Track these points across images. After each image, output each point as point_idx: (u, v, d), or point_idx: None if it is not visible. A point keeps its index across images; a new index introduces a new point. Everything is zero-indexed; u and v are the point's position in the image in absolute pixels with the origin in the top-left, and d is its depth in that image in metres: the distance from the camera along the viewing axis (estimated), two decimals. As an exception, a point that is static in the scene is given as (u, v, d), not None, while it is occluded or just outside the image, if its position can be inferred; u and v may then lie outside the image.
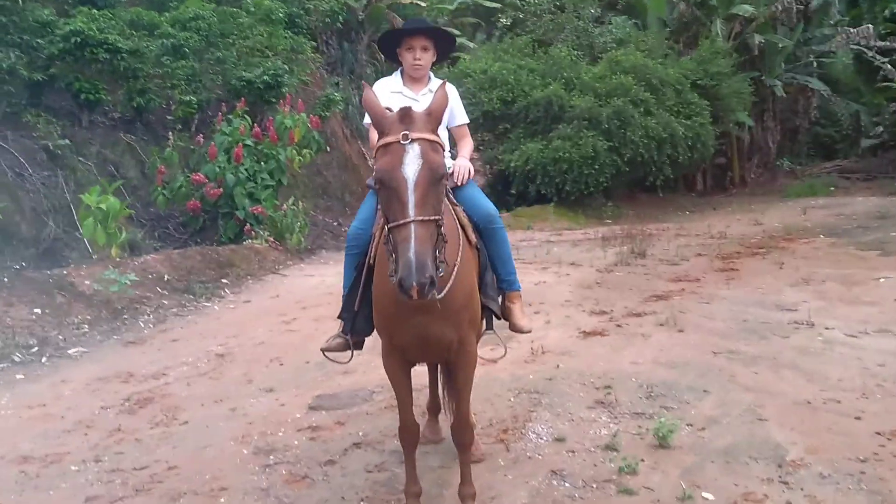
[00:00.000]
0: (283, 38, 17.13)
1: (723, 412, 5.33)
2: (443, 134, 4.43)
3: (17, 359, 7.10)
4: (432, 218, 3.01)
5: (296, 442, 5.00)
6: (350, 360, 4.18)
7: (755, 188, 23.07)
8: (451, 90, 4.48)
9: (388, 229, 3.06)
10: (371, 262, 3.85)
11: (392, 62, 4.54)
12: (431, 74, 4.43)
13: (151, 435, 5.22)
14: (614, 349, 7.00)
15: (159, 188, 13.12)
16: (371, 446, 4.89)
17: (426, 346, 3.67)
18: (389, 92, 4.28)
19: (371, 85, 3.72)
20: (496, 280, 4.25)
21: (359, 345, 4.21)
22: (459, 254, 3.58)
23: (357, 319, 4.01)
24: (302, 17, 20.11)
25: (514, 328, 4.40)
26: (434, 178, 3.06)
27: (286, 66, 15.98)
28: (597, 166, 17.75)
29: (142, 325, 8.59)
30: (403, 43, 4.30)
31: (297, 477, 4.48)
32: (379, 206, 3.32)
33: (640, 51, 20.09)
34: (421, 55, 4.27)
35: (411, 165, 3.02)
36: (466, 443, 4.07)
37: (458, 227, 3.77)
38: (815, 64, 23.93)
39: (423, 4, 25.12)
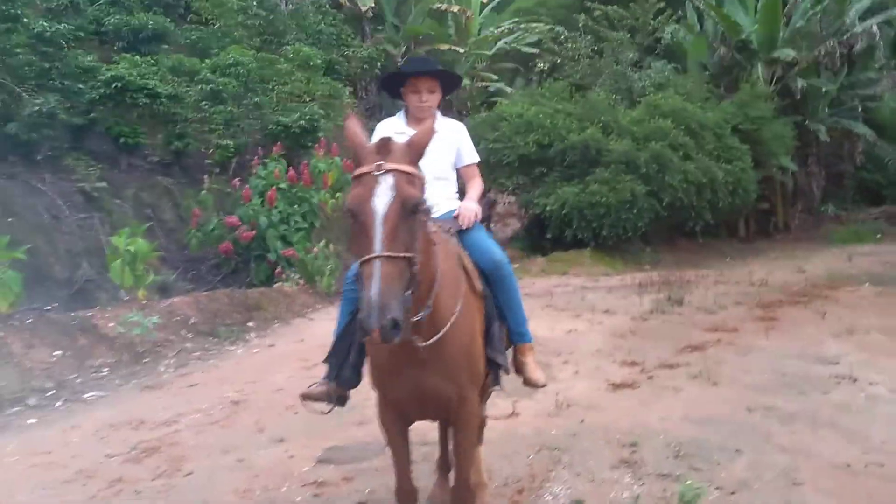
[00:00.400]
0: (320, 84, 17.31)
1: (755, 475, 5.00)
2: (450, 173, 4.27)
3: (31, 402, 7.02)
4: (402, 255, 2.79)
5: (298, 498, 4.79)
6: (329, 412, 3.91)
7: (799, 234, 22.49)
8: (460, 128, 4.36)
9: (359, 265, 2.84)
10: None
11: (396, 99, 4.39)
12: (438, 113, 4.20)
13: (152, 487, 5.05)
14: (643, 403, 6.70)
15: (193, 230, 13.17)
16: (378, 505, 4.65)
17: (421, 401, 3.47)
18: (393, 132, 4.02)
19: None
20: (507, 332, 4.02)
21: (342, 400, 3.95)
22: (459, 302, 3.37)
23: (344, 368, 3.78)
24: (341, 64, 20.37)
25: (528, 383, 4.14)
26: (405, 211, 2.85)
27: (322, 111, 16.07)
28: (635, 211, 17.45)
29: (162, 369, 8.49)
30: (408, 84, 4.14)
31: (296, 537, 4.26)
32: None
33: (679, 94, 19.85)
34: (427, 97, 4.12)
35: (381, 197, 2.83)
36: None
37: (462, 272, 3.57)
38: (860, 108, 23.38)
39: (460, 51, 25.30)
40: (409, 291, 2.82)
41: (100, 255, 11.71)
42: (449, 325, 3.26)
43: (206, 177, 14.06)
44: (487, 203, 18.67)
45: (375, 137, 3.89)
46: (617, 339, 9.35)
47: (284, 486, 4.99)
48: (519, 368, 4.12)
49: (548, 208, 18.07)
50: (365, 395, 5.54)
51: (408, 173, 2.94)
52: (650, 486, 4.83)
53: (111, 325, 8.81)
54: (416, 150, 3.05)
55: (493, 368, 3.80)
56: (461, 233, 3.96)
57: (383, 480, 5.00)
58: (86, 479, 5.24)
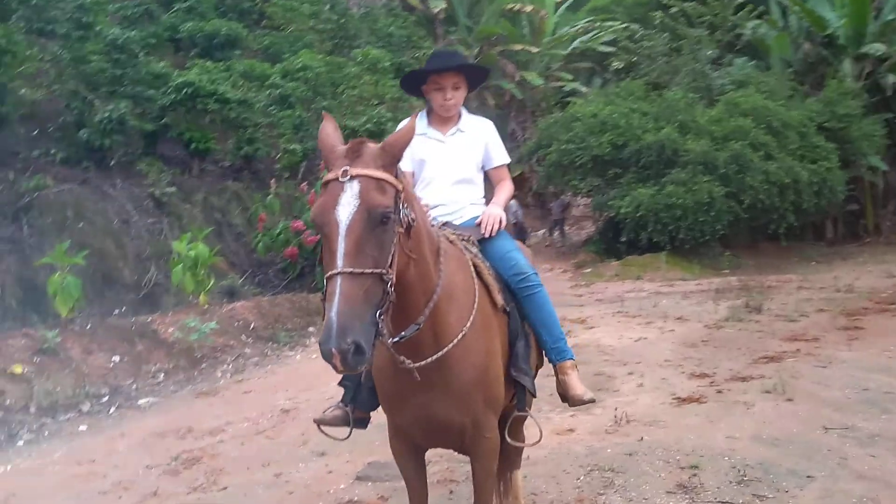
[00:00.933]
0: (389, 87, 17.21)
1: (828, 505, 4.53)
2: (475, 176, 3.91)
3: (84, 409, 7.05)
4: (368, 271, 2.46)
5: (330, 519, 4.58)
6: (348, 437, 3.52)
7: (890, 237, 21.34)
8: (488, 125, 3.98)
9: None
10: None
11: (417, 97, 3.98)
12: (464, 110, 3.86)
13: (184, 502, 4.93)
14: (710, 420, 6.23)
15: (259, 235, 13.22)
16: (410, 529, 4.39)
17: (431, 429, 3.15)
18: (417, 134, 3.74)
19: None
20: (545, 351, 3.67)
21: (362, 422, 3.58)
22: (470, 318, 3.04)
23: (360, 390, 3.44)
24: (412, 67, 20.24)
25: (573, 402, 3.67)
26: (371, 222, 2.51)
27: (390, 114, 15.97)
28: (713, 213, 16.86)
29: (219, 374, 8.46)
30: (431, 81, 3.73)
31: (318, 564, 4.04)
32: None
33: (761, 92, 19.11)
34: (452, 94, 3.71)
35: (345, 207, 2.51)
36: None
37: (476, 285, 3.19)
38: (957, 104, 22.10)
39: (534, 51, 24.99)
40: (379, 311, 2.48)
41: (167, 260, 11.84)
42: (453, 343, 2.94)
43: (273, 181, 14.11)
44: (561, 205, 18.47)
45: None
46: (687, 348, 8.88)
47: (318, 504, 4.81)
48: (562, 389, 3.70)
49: (622, 210, 17.62)
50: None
51: (377, 179, 2.59)
52: (709, 515, 4.45)
53: (170, 330, 8.84)
54: (390, 154, 2.68)
55: (519, 391, 3.43)
56: (484, 241, 3.60)
57: (420, 502, 4.76)
58: (122, 490, 5.16)
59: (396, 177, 2.67)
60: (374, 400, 3.39)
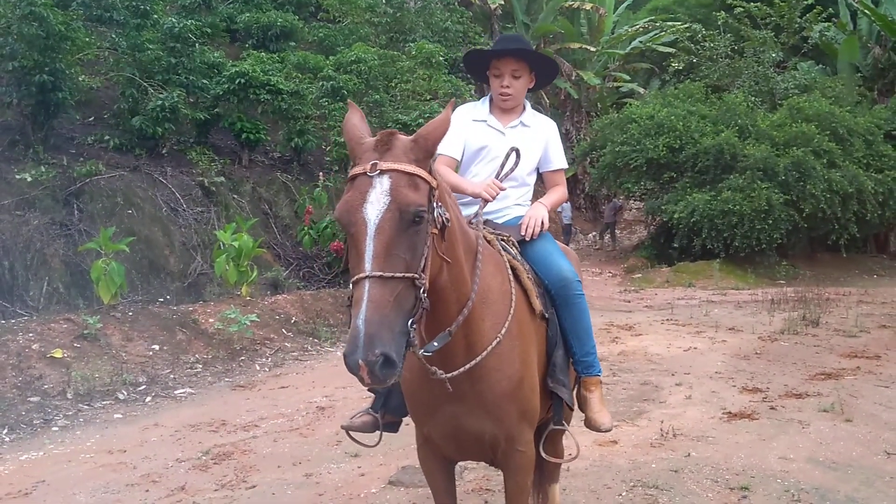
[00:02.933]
0: (443, 82, 17.01)
1: (888, 538, 4.22)
2: (528, 177, 3.68)
3: (121, 396, 6.99)
4: (399, 275, 2.25)
5: (358, 525, 4.41)
6: (378, 443, 3.33)
7: (958, 251, 20.54)
8: (550, 126, 3.75)
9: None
10: None
11: (483, 83, 3.78)
12: (527, 103, 3.66)
13: (211, 499, 4.79)
14: (762, 438, 5.92)
15: (306, 228, 13.15)
16: (440, 540, 4.19)
17: (461, 441, 2.94)
18: (471, 120, 3.57)
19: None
20: (573, 362, 3.40)
21: (394, 426, 3.41)
22: (506, 325, 2.82)
23: (392, 395, 3.24)
24: (467, 63, 20.04)
25: (590, 424, 3.43)
26: (403, 221, 2.29)
27: (442, 110, 15.77)
28: (771, 221, 16.34)
29: (257, 367, 8.36)
30: (492, 67, 3.53)
31: (342, 573, 3.87)
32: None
33: (827, 98, 18.51)
34: (510, 82, 3.49)
35: (374, 204, 2.29)
36: None
37: (513, 289, 2.96)
38: None
39: (592, 49, 24.59)
40: (411, 320, 2.27)
41: (213, 250, 11.85)
42: (486, 352, 2.74)
43: (322, 174, 14.03)
44: (614, 208, 18.13)
45: (453, 125, 3.14)
46: (740, 360, 8.56)
47: (347, 508, 4.64)
48: (581, 405, 3.46)
49: (676, 216, 17.19)
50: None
51: (409, 174, 2.36)
52: (758, 543, 4.17)
53: (211, 320, 8.78)
54: (423, 147, 2.43)
55: (556, 403, 3.21)
56: (525, 243, 3.37)
57: (453, 511, 4.56)
58: (150, 483, 5.05)
59: (430, 172, 2.44)
60: (405, 405, 3.15)
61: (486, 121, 3.56)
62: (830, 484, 4.95)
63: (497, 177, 3.32)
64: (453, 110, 3.06)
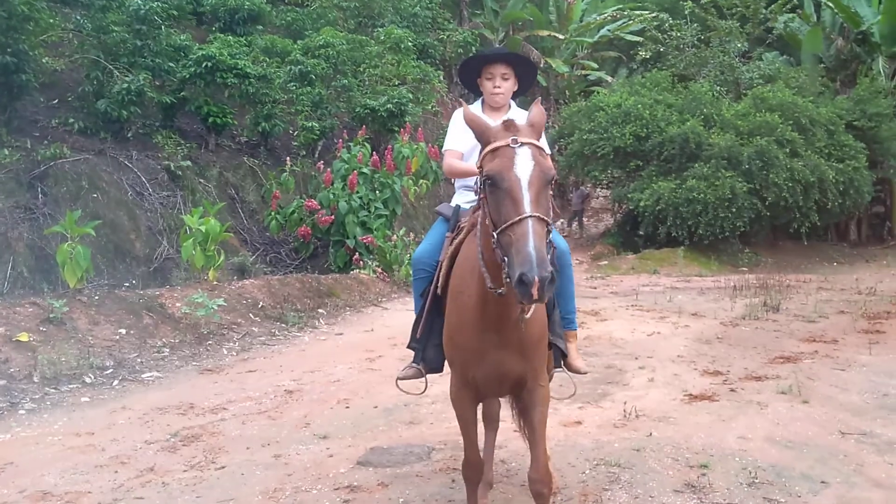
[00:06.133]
0: (411, 67, 17.02)
1: (841, 513, 4.38)
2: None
3: (88, 380, 6.97)
4: (546, 218, 2.91)
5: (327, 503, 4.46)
6: (425, 390, 4.17)
7: (917, 241, 20.98)
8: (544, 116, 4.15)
9: (499, 233, 2.91)
10: (438, 290, 3.77)
11: (472, 92, 4.47)
12: (513, 103, 4.28)
13: (181, 479, 4.82)
14: (721, 419, 6.07)
15: (273, 213, 13.12)
16: (407, 518, 4.28)
17: (502, 381, 3.58)
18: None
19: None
20: (559, 318, 4.07)
21: (434, 371, 4.07)
22: None
23: (427, 349, 3.93)
24: (435, 48, 20.05)
25: (570, 368, 4.14)
26: (545, 180, 3.00)
27: (411, 95, 15.78)
28: (734, 209, 16.59)
29: (225, 352, 8.36)
30: (483, 71, 4.20)
31: (312, 549, 3.93)
32: (486, 213, 3.09)
33: (790, 88, 18.77)
34: (501, 83, 4.16)
35: (524, 166, 2.98)
36: (546, 493, 3.68)
37: None
38: None
39: (560, 37, 24.69)
40: (550, 256, 2.85)
41: (179, 234, 11.78)
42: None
43: (289, 159, 13.99)
44: (581, 196, 18.37)
45: (453, 125, 4.28)
46: (702, 345, 8.71)
47: (316, 488, 4.67)
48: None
49: (642, 203, 17.38)
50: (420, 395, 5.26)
51: (539, 147, 3.08)
52: (716, 518, 4.30)
53: (178, 304, 8.75)
54: (537, 130, 3.19)
55: (555, 352, 3.93)
56: None
57: (420, 490, 4.64)
58: (119, 465, 5.06)
59: None
60: (439, 358, 3.90)
61: None
62: (786, 462, 5.11)
63: None
64: (473, 107, 4.19)
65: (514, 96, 4.32)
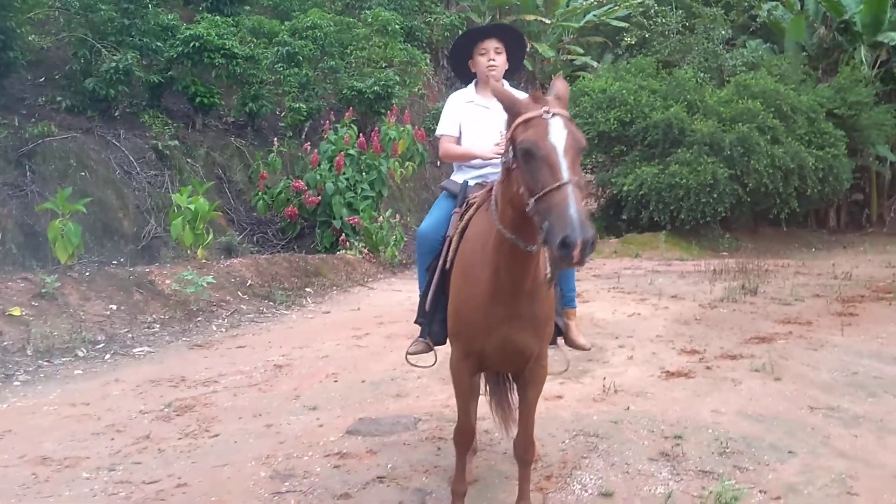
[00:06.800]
0: (398, 50, 17.10)
1: (806, 480, 4.60)
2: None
3: (80, 354, 7.11)
4: (582, 185, 2.97)
5: (318, 469, 4.64)
6: (435, 363, 4.25)
7: (893, 228, 21.25)
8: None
9: (536, 200, 2.94)
10: (446, 266, 3.83)
11: (461, 79, 4.58)
12: (506, 82, 4.23)
13: (176, 446, 5.00)
14: (696, 394, 6.30)
15: (260, 193, 13.22)
16: (395, 482, 4.47)
17: (508, 355, 3.63)
18: (464, 102, 4.41)
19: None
20: (561, 296, 4.22)
21: (439, 343, 4.17)
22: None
23: (433, 324, 4.03)
24: (422, 31, 20.10)
25: (573, 345, 4.30)
26: (578, 148, 3.06)
27: (398, 77, 15.87)
28: (716, 195, 16.75)
29: (214, 328, 8.52)
30: (476, 49, 4.31)
31: (304, 509, 4.12)
32: (521, 182, 3.09)
33: (773, 75, 18.93)
34: (495, 57, 4.28)
35: (558, 134, 3.02)
36: (528, 458, 3.96)
37: None
38: (970, 97, 21.92)
39: (547, 21, 24.76)
40: None
41: (168, 213, 11.85)
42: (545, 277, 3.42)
43: (276, 139, 14.07)
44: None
45: (447, 109, 4.45)
46: (680, 325, 8.93)
47: (307, 454, 4.86)
48: (564, 331, 4.25)
49: (625, 188, 17.53)
50: (407, 367, 5.45)
51: (569, 118, 3.13)
52: (687, 484, 4.50)
53: (168, 282, 8.88)
54: (563, 102, 3.24)
55: (554, 329, 4.00)
56: None
57: (407, 457, 4.84)
58: (115, 433, 5.23)
59: None
60: (443, 332, 3.97)
61: (473, 101, 4.39)
62: (757, 434, 5.34)
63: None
64: (468, 88, 4.47)
65: (505, 76, 4.36)
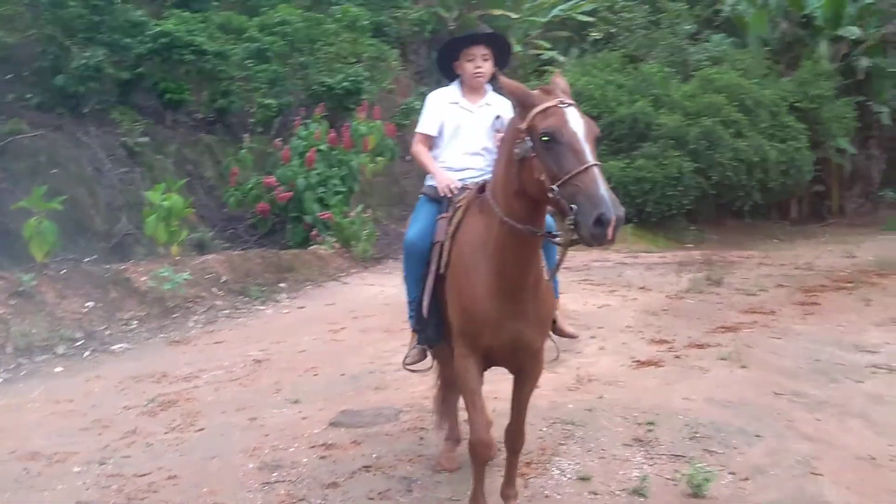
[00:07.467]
0: (367, 46, 17.15)
1: (772, 461, 4.84)
2: (492, 148, 4.38)
3: (60, 351, 7.16)
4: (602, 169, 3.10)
5: (305, 460, 4.78)
6: (432, 367, 4.44)
7: (854, 219, 21.75)
8: (508, 105, 4.32)
9: (562, 184, 3.06)
10: (441, 270, 3.87)
11: (446, 78, 4.55)
12: (489, 87, 4.41)
13: (163, 440, 5.10)
14: (667, 382, 6.53)
15: (231, 189, 13.25)
16: (381, 471, 4.62)
17: (515, 351, 3.72)
18: (448, 102, 4.40)
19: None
20: None
21: (433, 347, 4.31)
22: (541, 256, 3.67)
23: (427, 329, 4.08)
24: (390, 26, 20.15)
25: (563, 333, 4.40)
26: (594, 135, 3.21)
27: (367, 73, 15.95)
28: (681, 188, 17.02)
29: (191, 324, 8.58)
30: (463, 54, 4.32)
31: (294, 498, 4.25)
32: (543, 169, 3.19)
33: (736, 70, 19.26)
34: (482, 64, 4.31)
35: (577, 121, 3.18)
36: (518, 447, 4.12)
37: None
38: (928, 91, 22.44)
39: (514, 16, 24.88)
40: None
41: (139, 210, 11.79)
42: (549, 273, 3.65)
43: (246, 135, 14.09)
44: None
45: (429, 107, 4.43)
46: (649, 316, 9.16)
47: (292, 446, 4.99)
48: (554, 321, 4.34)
49: (592, 182, 17.70)
50: (385, 361, 5.58)
51: (579, 108, 3.31)
52: (661, 467, 4.71)
53: (143, 279, 8.92)
54: (568, 95, 3.39)
55: None
56: None
57: (392, 447, 4.99)
58: (101, 428, 5.32)
59: None
60: (438, 336, 4.07)
61: (458, 103, 4.38)
62: (725, 419, 5.57)
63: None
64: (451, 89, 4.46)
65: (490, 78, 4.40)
